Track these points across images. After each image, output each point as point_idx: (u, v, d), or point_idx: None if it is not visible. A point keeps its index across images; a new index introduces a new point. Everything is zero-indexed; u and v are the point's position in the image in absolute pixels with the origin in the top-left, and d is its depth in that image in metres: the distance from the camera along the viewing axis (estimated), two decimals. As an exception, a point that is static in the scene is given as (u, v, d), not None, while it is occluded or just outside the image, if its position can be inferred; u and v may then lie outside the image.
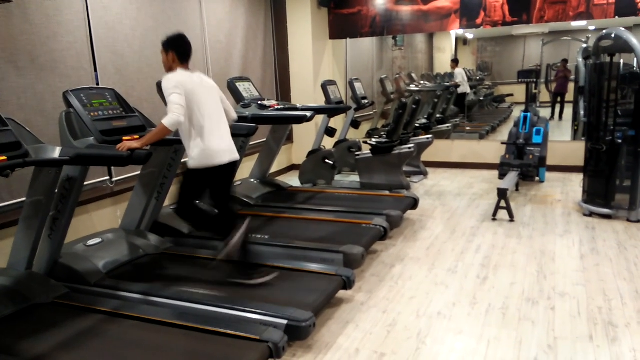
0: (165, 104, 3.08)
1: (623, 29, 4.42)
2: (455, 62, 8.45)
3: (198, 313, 2.68)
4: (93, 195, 4.07)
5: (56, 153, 2.75)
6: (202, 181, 3.07)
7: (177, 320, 2.57)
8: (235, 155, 3.14)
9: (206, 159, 2.97)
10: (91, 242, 3.44)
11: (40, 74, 3.71)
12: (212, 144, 2.98)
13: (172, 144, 3.44)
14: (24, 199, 3.04)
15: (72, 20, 3.92)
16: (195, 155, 2.97)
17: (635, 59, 4.34)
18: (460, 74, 8.39)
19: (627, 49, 4.34)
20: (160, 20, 4.77)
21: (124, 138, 2.88)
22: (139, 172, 3.77)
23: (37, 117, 3.70)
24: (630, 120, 4.43)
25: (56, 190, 3.01)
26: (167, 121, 2.79)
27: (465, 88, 8.45)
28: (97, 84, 4.13)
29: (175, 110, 2.80)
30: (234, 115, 3.37)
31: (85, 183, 3.78)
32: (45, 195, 2.92)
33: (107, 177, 4.32)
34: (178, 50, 3.00)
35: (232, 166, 3.14)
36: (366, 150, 5.62)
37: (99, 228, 4.01)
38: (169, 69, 3.01)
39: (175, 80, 2.87)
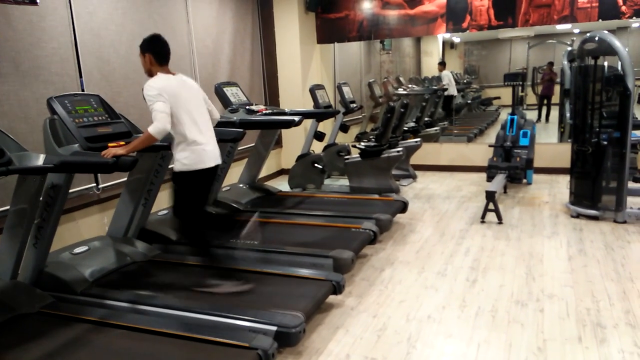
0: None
1: (606, 32, 4.48)
2: (442, 64, 8.50)
3: (186, 321, 2.65)
4: (79, 203, 4.03)
5: (40, 160, 2.71)
6: (190, 183, 3.06)
7: (165, 328, 2.54)
8: (219, 160, 3.15)
9: (192, 163, 2.96)
10: (77, 250, 3.39)
11: (24, 80, 3.66)
12: (197, 148, 2.98)
13: (159, 150, 3.41)
14: (7, 207, 2.99)
15: (56, 26, 3.88)
16: (181, 159, 2.96)
17: (619, 62, 4.39)
18: (447, 77, 8.43)
19: (611, 51, 4.39)
20: (146, 26, 4.74)
21: (109, 144, 2.85)
22: (125, 179, 3.73)
23: (21, 124, 3.65)
24: (615, 122, 4.48)
25: (41, 198, 2.96)
26: (153, 130, 2.77)
27: (452, 90, 8.50)
28: (82, 90, 4.09)
29: (161, 119, 2.79)
30: (217, 116, 3.37)
31: (71, 190, 3.74)
32: (30, 204, 2.87)
33: (94, 184, 4.27)
34: (154, 51, 2.98)
35: (215, 170, 3.14)
36: (355, 154, 5.63)
37: (85, 236, 3.96)
38: (149, 72, 3.00)
39: (157, 87, 2.85)
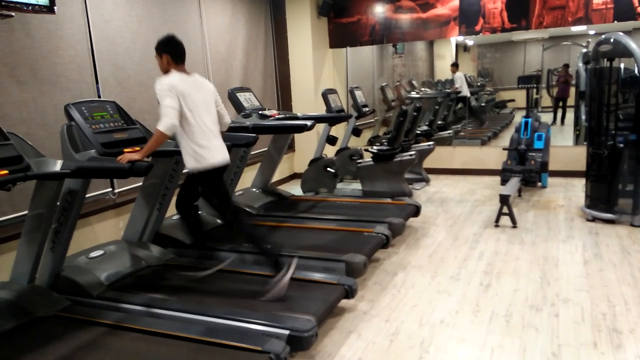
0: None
1: (622, 33, 4.43)
2: (455, 66, 8.46)
3: (199, 324, 2.67)
4: (95, 207, 4.09)
5: (57, 166, 2.77)
6: (196, 183, 3.12)
7: (179, 332, 2.57)
8: (227, 158, 3.20)
9: (198, 162, 3.01)
10: (93, 254, 3.44)
11: (41, 87, 3.74)
12: (203, 147, 3.02)
13: (173, 155, 3.45)
14: (26, 212, 3.05)
15: (73, 34, 3.96)
16: (188, 159, 3.02)
17: (635, 63, 4.33)
18: (459, 78, 8.39)
19: (627, 53, 4.34)
20: (160, 33, 4.72)
21: (125, 150, 2.89)
22: (140, 184, 3.78)
23: (39, 131, 3.72)
24: (631, 125, 4.42)
25: (58, 203, 3.02)
26: (162, 126, 2.83)
27: (465, 91, 8.45)
28: (99, 97, 4.16)
29: (168, 114, 2.84)
30: (228, 120, 3.42)
31: (88, 195, 3.79)
32: (47, 208, 2.93)
33: (110, 189, 4.33)
34: (170, 51, 3.04)
35: (223, 169, 3.18)
36: (368, 158, 5.63)
37: (101, 240, 4.02)
38: (166, 72, 3.05)
39: (167, 83, 2.90)
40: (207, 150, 3.04)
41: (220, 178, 3.24)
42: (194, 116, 2.99)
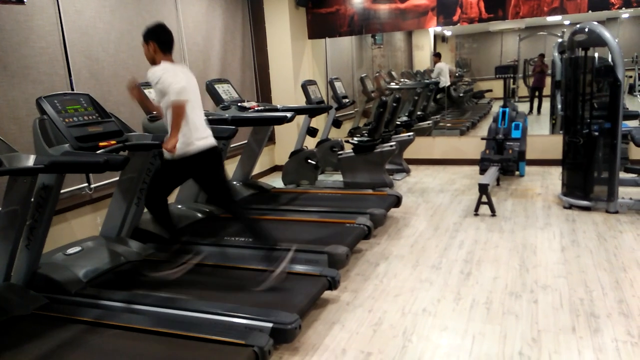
0: (143, 108, 3.02)
1: (596, 23, 4.49)
2: (437, 56, 8.47)
3: (181, 319, 2.64)
4: (71, 203, 4.00)
5: (30, 161, 2.69)
6: (180, 171, 3.06)
7: (160, 327, 2.54)
8: (213, 141, 3.15)
9: (186, 147, 2.95)
10: (71, 250, 3.36)
11: (12, 80, 3.63)
12: (193, 132, 2.98)
13: (151, 149, 3.39)
14: (-2, 209, 2.97)
15: (43, 25, 3.84)
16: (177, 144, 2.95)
17: (609, 53, 4.41)
18: (438, 69, 8.41)
19: (601, 42, 4.41)
20: (135, 23, 4.70)
21: (100, 144, 2.83)
22: (117, 178, 3.71)
23: (11, 125, 3.61)
24: (605, 113, 4.50)
25: (32, 199, 2.94)
26: (173, 96, 2.78)
27: (444, 82, 8.48)
28: (72, 90, 4.05)
29: (173, 82, 2.80)
30: None
31: (63, 190, 3.72)
32: (21, 205, 2.85)
33: (86, 184, 4.24)
34: (158, 39, 2.97)
35: (215, 152, 3.13)
36: (348, 150, 5.63)
37: (78, 236, 3.94)
38: (152, 60, 2.99)
39: (163, 68, 2.88)
40: (196, 136, 2.99)
41: (216, 164, 3.18)
42: (186, 105, 2.93)
